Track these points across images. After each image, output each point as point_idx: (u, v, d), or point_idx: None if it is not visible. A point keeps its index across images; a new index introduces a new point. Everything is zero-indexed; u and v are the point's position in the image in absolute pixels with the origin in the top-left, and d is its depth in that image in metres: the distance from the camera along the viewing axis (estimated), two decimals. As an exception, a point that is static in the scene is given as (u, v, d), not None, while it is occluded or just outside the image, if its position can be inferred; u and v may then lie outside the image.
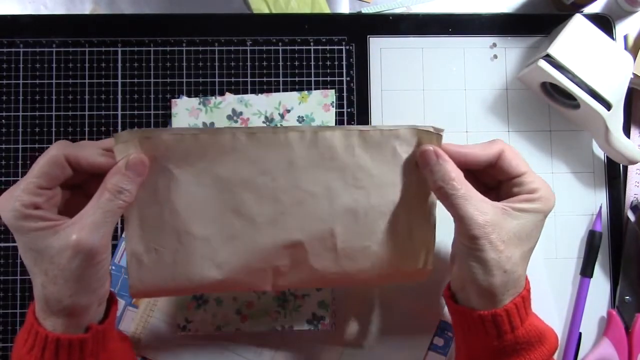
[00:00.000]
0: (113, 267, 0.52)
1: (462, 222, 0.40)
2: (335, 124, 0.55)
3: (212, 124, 0.54)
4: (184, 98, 0.54)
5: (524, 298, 0.41)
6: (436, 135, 0.43)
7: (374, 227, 0.44)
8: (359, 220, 0.44)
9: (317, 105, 0.54)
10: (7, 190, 0.40)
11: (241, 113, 0.54)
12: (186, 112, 0.54)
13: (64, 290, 0.38)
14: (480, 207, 0.40)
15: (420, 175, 0.44)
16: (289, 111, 0.54)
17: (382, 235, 0.44)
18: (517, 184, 0.43)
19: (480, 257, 0.40)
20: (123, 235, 0.42)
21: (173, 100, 0.54)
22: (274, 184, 0.43)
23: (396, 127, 0.44)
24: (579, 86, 0.50)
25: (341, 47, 0.56)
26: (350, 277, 0.45)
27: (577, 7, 0.57)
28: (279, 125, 0.53)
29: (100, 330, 0.40)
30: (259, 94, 0.55)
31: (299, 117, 0.54)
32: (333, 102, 0.55)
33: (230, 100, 0.54)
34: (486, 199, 0.41)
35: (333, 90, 0.55)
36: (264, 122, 0.54)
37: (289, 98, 0.54)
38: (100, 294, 0.40)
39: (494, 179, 0.46)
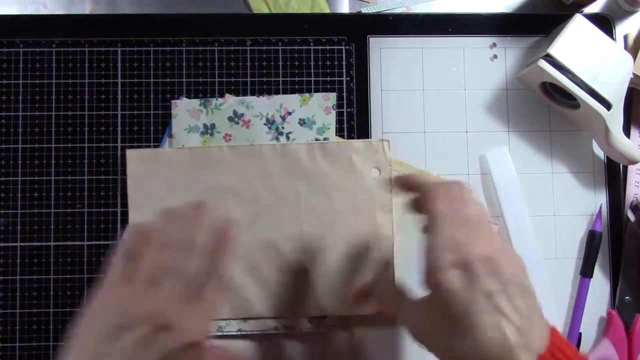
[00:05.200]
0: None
1: None
2: (336, 126, 0.55)
3: (213, 125, 0.54)
4: (184, 99, 0.54)
5: None
6: (384, 141, 0.53)
7: (332, 226, 0.52)
8: (321, 221, 0.52)
9: (319, 108, 0.54)
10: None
11: (242, 115, 0.54)
12: (187, 113, 0.54)
13: None
14: None
15: (371, 184, 0.52)
16: (290, 113, 0.54)
17: (338, 234, 0.52)
18: None
19: None
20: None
21: (173, 101, 0.54)
22: (252, 189, 0.52)
23: (350, 141, 0.53)
24: (579, 86, 0.50)
25: (341, 47, 0.56)
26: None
27: (577, 7, 0.57)
28: (279, 128, 0.54)
29: None
30: (260, 96, 0.54)
31: (300, 119, 0.54)
32: (334, 105, 0.55)
33: (231, 102, 0.54)
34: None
35: (334, 94, 0.55)
36: (265, 124, 0.54)
37: (291, 100, 0.54)
38: None
39: None
